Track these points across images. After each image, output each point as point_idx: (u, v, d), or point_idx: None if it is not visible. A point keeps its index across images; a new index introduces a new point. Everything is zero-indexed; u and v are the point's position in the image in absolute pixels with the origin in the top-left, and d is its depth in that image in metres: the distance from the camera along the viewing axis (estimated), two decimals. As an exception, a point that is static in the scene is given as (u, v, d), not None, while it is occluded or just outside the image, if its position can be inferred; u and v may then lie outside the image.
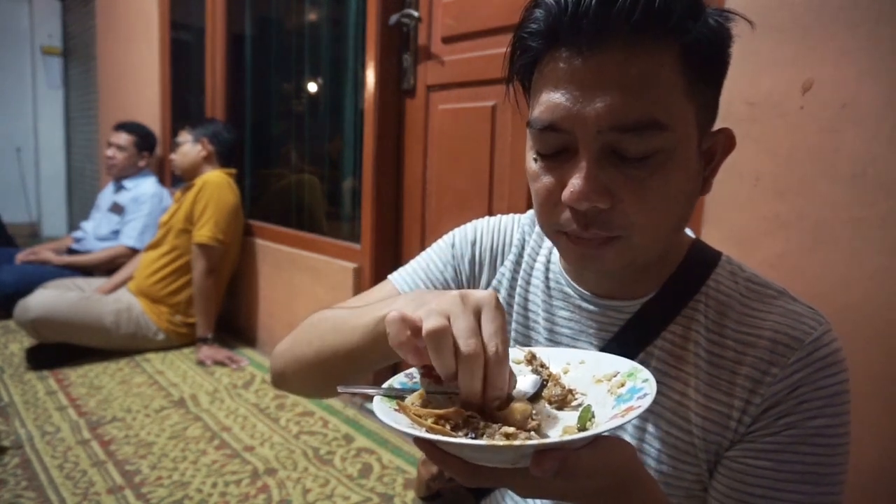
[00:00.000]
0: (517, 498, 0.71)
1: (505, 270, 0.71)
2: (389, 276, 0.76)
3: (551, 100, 0.51)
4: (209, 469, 1.63)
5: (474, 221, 0.76)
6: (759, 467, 0.52)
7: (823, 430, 0.51)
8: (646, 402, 0.42)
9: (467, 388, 0.43)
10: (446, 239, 0.76)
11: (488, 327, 0.45)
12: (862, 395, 0.86)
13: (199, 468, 1.64)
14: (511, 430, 0.43)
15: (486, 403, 0.44)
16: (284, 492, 1.53)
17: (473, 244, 0.73)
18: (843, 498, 0.53)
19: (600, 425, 0.43)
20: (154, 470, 1.62)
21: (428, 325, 0.43)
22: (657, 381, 0.45)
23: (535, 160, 0.55)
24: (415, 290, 0.51)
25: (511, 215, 0.76)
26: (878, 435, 0.90)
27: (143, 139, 3.03)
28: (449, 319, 0.44)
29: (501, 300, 0.70)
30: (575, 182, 0.50)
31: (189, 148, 2.63)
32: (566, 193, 0.51)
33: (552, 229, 0.56)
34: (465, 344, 0.43)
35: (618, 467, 0.43)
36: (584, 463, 0.41)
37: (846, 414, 0.52)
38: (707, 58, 0.51)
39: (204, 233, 2.47)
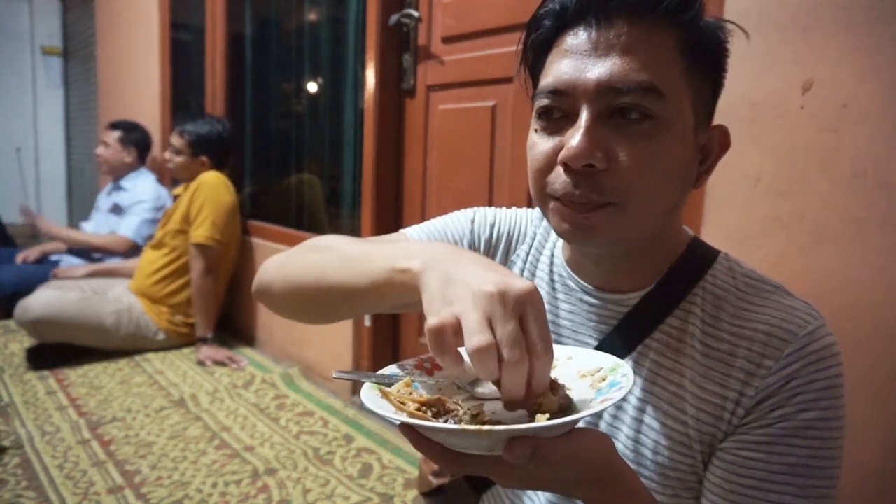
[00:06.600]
0: (518, 492, 0.71)
1: (516, 259, 0.73)
2: (404, 230, 0.76)
3: (557, 68, 0.54)
4: (209, 469, 1.63)
5: (493, 207, 0.78)
6: (751, 459, 0.53)
7: (816, 423, 0.51)
8: (618, 395, 0.43)
9: (511, 393, 0.42)
10: (466, 213, 0.78)
11: (533, 330, 0.43)
12: (862, 394, 0.87)
13: (199, 468, 1.64)
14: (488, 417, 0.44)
15: (528, 404, 0.43)
16: (284, 492, 1.53)
17: (492, 226, 0.76)
18: (836, 492, 0.53)
19: (571, 416, 0.43)
20: (154, 470, 1.62)
21: (473, 342, 0.41)
22: (654, 373, 0.45)
23: (536, 131, 0.57)
24: (437, 243, 0.50)
25: (525, 209, 0.78)
26: (878, 434, 0.90)
27: (127, 133, 3.03)
28: (491, 325, 0.42)
29: None
30: (573, 139, 0.52)
31: (185, 161, 2.62)
32: (563, 151, 0.52)
33: (544, 194, 0.56)
34: (510, 354, 0.41)
35: (593, 459, 0.44)
36: (558, 452, 0.41)
37: (840, 408, 0.53)
38: (703, 48, 0.55)
39: (201, 233, 2.47)
